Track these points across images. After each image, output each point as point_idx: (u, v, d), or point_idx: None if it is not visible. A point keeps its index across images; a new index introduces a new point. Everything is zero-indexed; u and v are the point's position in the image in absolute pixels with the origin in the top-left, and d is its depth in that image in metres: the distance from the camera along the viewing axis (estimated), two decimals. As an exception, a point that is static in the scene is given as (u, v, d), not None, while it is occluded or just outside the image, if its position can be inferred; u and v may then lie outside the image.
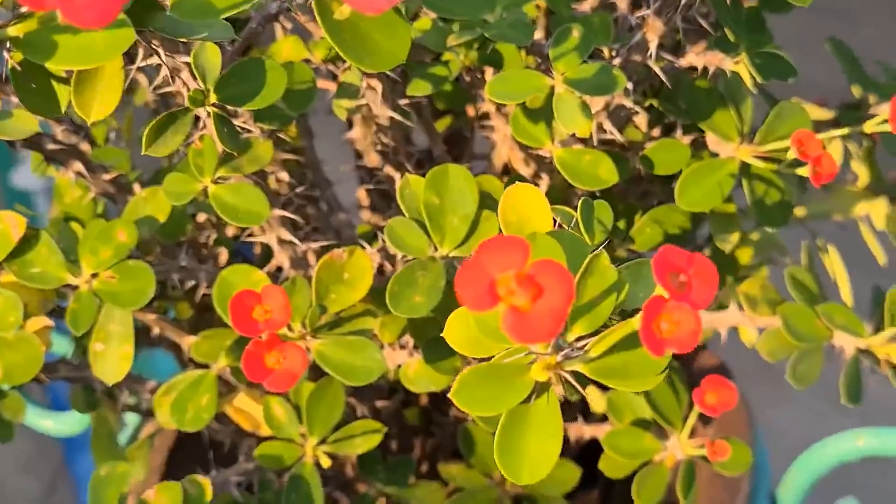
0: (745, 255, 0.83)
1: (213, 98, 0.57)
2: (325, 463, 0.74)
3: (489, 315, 0.46)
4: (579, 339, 0.46)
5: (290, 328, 0.69)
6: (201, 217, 0.83)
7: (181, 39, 0.53)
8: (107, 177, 0.75)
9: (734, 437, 0.80)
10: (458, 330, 0.49)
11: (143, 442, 0.93)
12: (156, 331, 0.79)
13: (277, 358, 0.62)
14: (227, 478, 0.76)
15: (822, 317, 0.76)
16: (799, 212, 0.91)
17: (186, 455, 0.96)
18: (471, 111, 0.87)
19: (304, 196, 0.84)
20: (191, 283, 0.80)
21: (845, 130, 0.68)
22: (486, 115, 0.78)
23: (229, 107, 0.60)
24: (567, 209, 0.58)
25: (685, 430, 0.78)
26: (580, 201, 0.57)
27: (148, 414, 0.94)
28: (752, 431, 0.95)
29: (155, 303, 0.89)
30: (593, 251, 0.46)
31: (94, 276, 0.69)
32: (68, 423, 1.10)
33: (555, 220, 0.56)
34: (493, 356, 0.47)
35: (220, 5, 0.46)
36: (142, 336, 0.86)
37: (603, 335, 0.44)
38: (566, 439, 0.87)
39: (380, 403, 0.86)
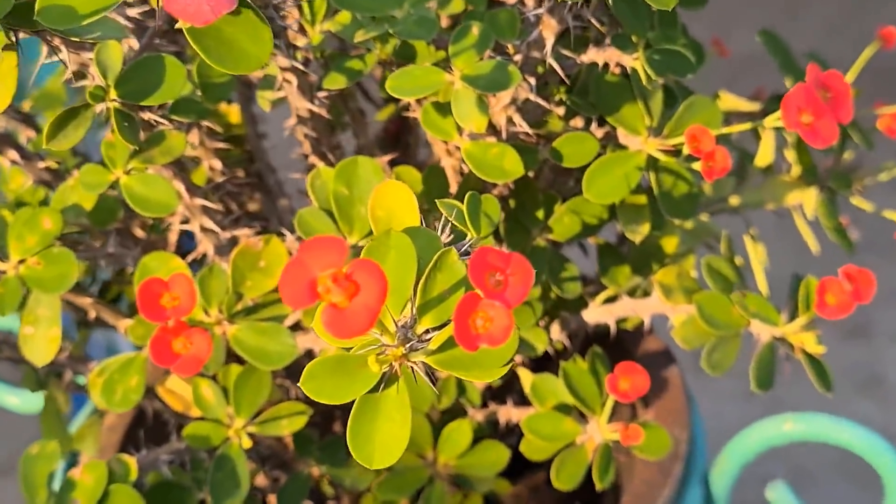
0: (670, 244, 0.85)
1: (113, 94, 0.59)
2: (246, 444, 0.76)
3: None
4: (428, 331, 0.48)
5: (207, 313, 0.72)
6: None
7: (74, 39, 0.55)
8: (41, 165, 0.78)
9: (654, 423, 0.82)
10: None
11: (92, 420, 0.96)
12: (92, 314, 0.81)
13: (184, 343, 0.65)
14: (158, 456, 0.78)
15: (736, 305, 0.77)
16: (734, 200, 0.93)
17: (147, 433, 0.98)
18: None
19: (242, 183, 0.86)
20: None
21: (746, 126, 0.70)
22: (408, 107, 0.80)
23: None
24: (455, 202, 0.59)
25: (604, 415, 0.80)
26: (467, 195, 0.59)
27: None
28: (690, 415, 0.97)
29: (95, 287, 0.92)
30: (446, 246, 0.48)
31: (22, 262, 0.72)
32: (34, 401, 1.13)
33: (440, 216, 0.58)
34: (352, 346, 0.49)
35: (83, 11, 0.48)
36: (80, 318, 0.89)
37: (443, 330, 0.46)
38: (495, 422, 0.89)
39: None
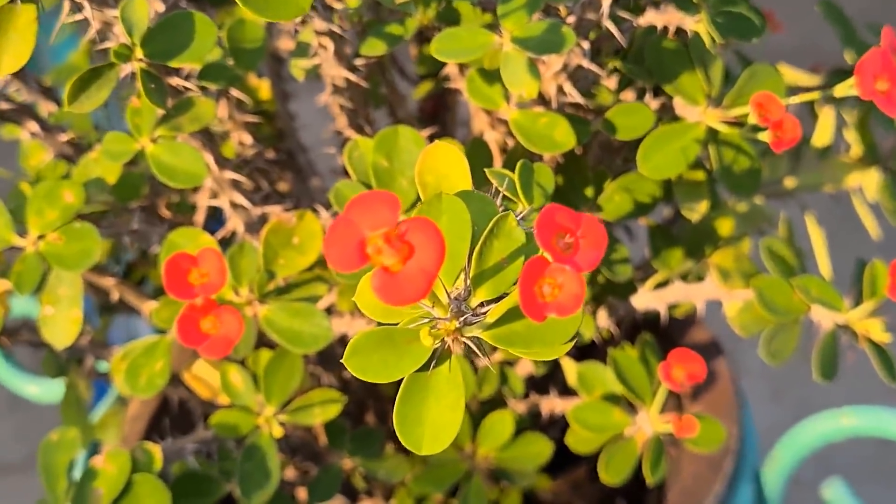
0: (724, 226, 0.80)
1: (139, 53, 0.55)
2: (277, 432, 0.72)
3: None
4: (483, 304, 0.43)
5: (236, 293, 0.67)
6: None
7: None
8: (63, 137, 0.74)
9: (708, 415, 0.77)
10: (368, 293, 0.46)
11: (115, 409, 0.92)
12: (115, 296, 0.77)
13: (213, 323, 0.61)
14: (184, 446, 0.74)
15: (798, 290, 0.73)
16: (789, 183, 0.88)
17: (172, 423, 0.95)
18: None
19: (272, 161, 0.82)
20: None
21: (815, 95, 0.65)
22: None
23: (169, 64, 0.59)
24: (506, 171, 0.55)
25: (655, 405, 0.75)
26: (519, 163, 0.55)
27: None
28: (740, 410, 0.92)
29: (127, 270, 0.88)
30: (503, 212, 0.44)
31: (41, 237, 0.68)
32: (54, 390, 1.09)
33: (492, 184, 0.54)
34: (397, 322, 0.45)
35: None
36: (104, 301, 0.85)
37: (503, 301, 0.41)
38: (537, 413, 0.85)
39: (347, 374, 0.84)
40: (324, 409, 0.74)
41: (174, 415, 0.95)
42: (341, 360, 0.42)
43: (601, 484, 1.02)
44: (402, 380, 0.45)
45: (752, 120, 0.62)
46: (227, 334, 0.61)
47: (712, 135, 0.67)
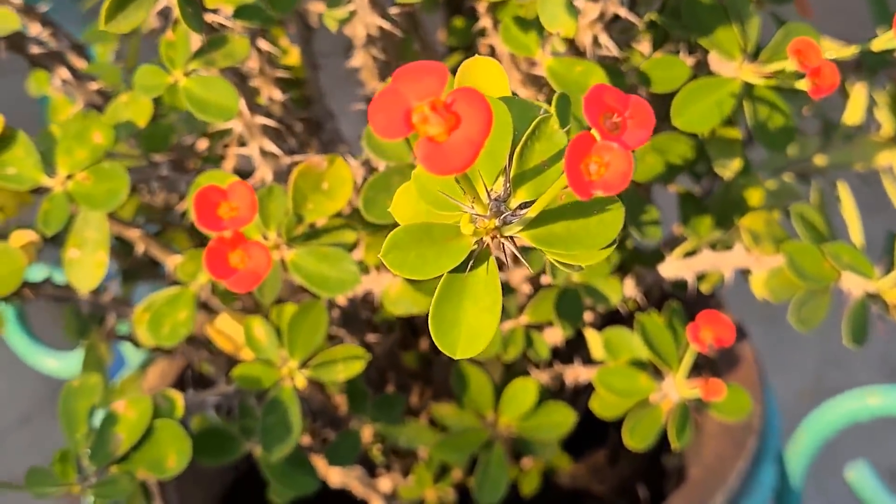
0: (754, 197, 0.79)
1: (176, -23, 0.55)
2: (301, 383, 0.71)
3: (430, 180, 0.44)
4: (522, 206, 0.43)
5: (264, 237, 0.67)
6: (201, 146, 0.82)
7: None
8: (94, 86, 0.73)
9: (734, 384, 0.76)
10: (403, 204, 0.46)
11: (135, 374, 0.92)
12: (140, 248, 0.77)
13: (241, 257, 0.60)
14: (205, 398, 0.74)
15: (829, 257, 0.72)
16: (819, 161, 0.87)
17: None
18: (482, 48, 0.84)
19: (302, 119, 0.82)
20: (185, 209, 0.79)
21: (853, 49, 0.64)
22: (483, 33, 0.75)
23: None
24: (542, 103, 0.55)
25: (682, 371, 0.74)
26: (556, 94, 0.54)
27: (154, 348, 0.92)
28: (763, 389, 0.91)
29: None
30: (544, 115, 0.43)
31: (70, 178, 0.67)
32: (73, 364, 1.09)
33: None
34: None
35: None
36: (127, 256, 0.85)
37: (546, 194, 0.41)
38: (562, 383, 0.84)
39: (371, 338, 0.83)
40: (347, 366, 0.73)
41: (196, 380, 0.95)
42: (378, 256, 0.41)
43: (620, 469, 1.01)
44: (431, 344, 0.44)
45: (791, 67, 0.61)
46: (255, 269, 0.60)
47: (748, 90, 0.67)
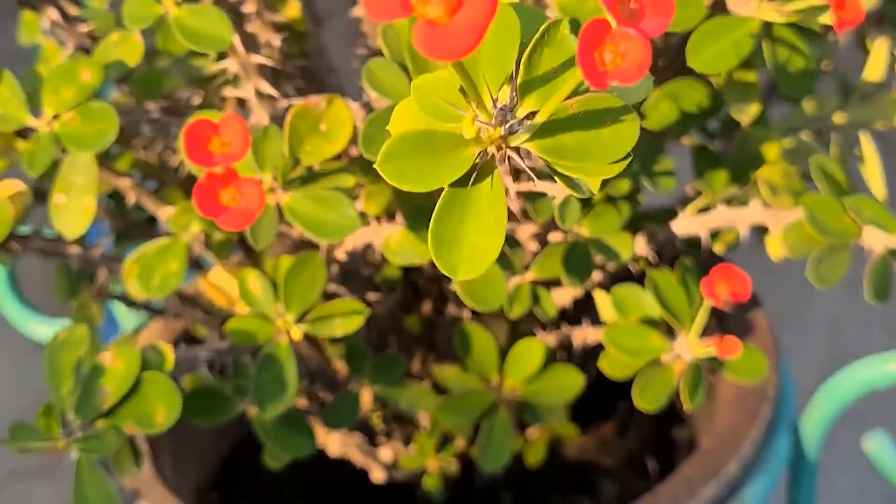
0: (771, 151, 0.76)
1: None
2: (297, 336, 0.68)
3: (432, 88, 0.41)
4: (530, 115, 0.40)
5: (260, 181, 0.64)
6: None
7: None
8: (84, 28, 0.70)
9: (748, 343, 0.73)
10: (403, 119, 0.43)
11: (127, 336, 0.89)
12: (131, 199, 0.74)
13: (233, 195, 0.57)
14: (197, 354, 0.71)
15: (850, 210, 0.69)
16: (838, 119, 0.84)
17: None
18: None
19: (302, 68, 0.79)
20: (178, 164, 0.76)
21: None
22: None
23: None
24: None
25: (695, 330, 0.71)
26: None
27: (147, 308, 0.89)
28: (778, 358, 0.88)
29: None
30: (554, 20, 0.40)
31: (56, 118, 0.64)
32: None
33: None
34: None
35: None
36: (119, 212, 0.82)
37: (555, 96, 0.38)
38: (570, 345, 0.81)
39: (372, 296, 0.80)
40: (345, 321, 0.70)
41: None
42: (374, 166, 0.38)
43: (629, 441, 0.98)
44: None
45: (813, 1, 0.58)
46: (247, 207, 0.57)
47: (766, 30, 0.63)
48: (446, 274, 0.40)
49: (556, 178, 0.42)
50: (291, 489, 0.99)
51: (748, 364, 0.72)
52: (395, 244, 0.67)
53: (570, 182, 0.42)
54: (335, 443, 0.91)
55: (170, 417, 0.64)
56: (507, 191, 0.63)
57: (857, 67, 0.84)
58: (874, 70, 0.82)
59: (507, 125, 0.39)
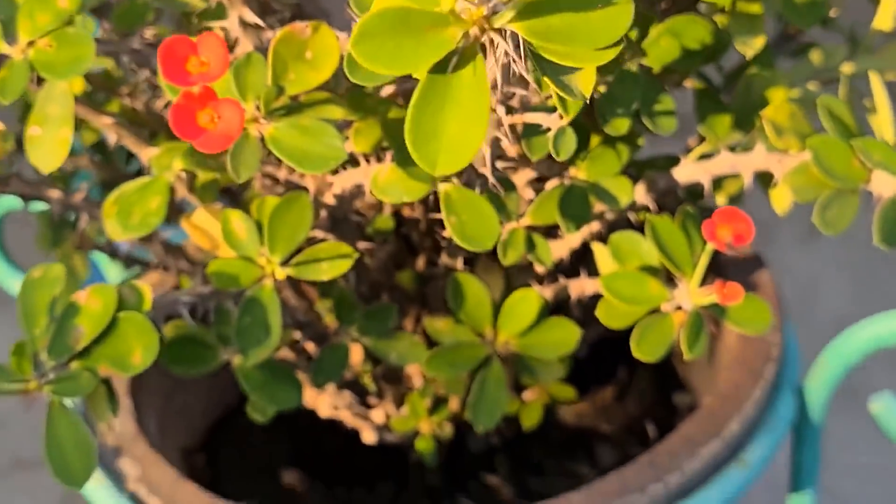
0: (778, 95, 0.73)
1: None
2: (280, 275, 0.65)
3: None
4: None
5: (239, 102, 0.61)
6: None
7: None
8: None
9: (753, 294, 0.70)
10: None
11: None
12: (113, 138, 0.71)
13: (211, 116, 0.55)
14: (178, 298, 0.68)
15: (858, 153, 0.66)
16: (847, 69, 0.81)
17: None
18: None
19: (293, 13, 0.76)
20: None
21: None
22: None
23: None
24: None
25: (696, 277, 0.68)
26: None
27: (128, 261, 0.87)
28: (783, 318, 0.85)
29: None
30: None
31: (31, 45, 0.62)
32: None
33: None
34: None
35: None
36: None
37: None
38: (566, 298, 0.78)
39: (362, 245, 0.77)
40: (332, 265, 0.68)
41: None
42: (349, 47, 0.35)
43: (629, 407, 0.96)
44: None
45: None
46: (226, 130, 0.55)
47: (773, -42, 0.61)
48: (424, 167, 0.37)
49: (546, 78, 0.39)
50: (282, 454, 0.97)
51: (751, 314, 0.69)
52: (384, 181, 0.64)
53: (560, 84, 0.39)
54: (325, 405, 0.89)
55: (146, 359, 0.62)
56: (499, 124, 0.60)
57: (865, 21, 0.82)
58: (884, 19, 0.80)
59: (491, 3, 0.36)
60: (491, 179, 0.65)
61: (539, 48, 0.37)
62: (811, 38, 0.84)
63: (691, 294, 0.68)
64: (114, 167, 0.86)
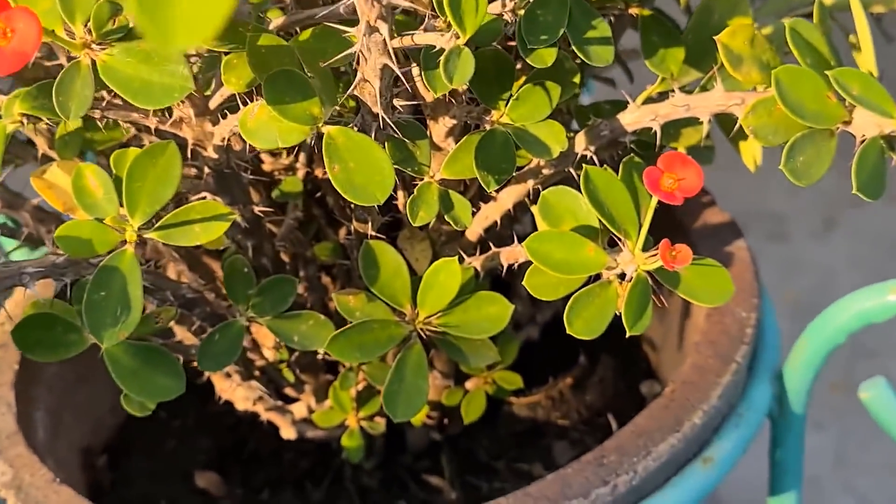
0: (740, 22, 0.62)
1: None
2: (132, 238, 0.54)
3: None
4: None
5: (70, 35, 0.50)
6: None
7: None
8: None
9: (711, 260, 0.59)
10: None
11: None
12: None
13: (3, 29, 0.44)
14: (22, 268, 0.57)
15: (834, 84, 0.54)
16: (828, 1, 0.70)
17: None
18: None
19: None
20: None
21: None
22: None
23: None
24: None
25: (640, 239, 0.57)
26: None
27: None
28: (760, 295, 0.74)
29: None
30: None
31: None
32: None
33: None
34: None
35: None
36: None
37: None
38: (497, 269, 0.66)
39: (258, 210, 0.66)
40: (206, 228, 0.57)
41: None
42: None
43: (589, 398, 0.84)
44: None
45: None
46: (20, 47, 0.44)
47: None
48: (155, 39, 0.26)
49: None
50: (201, 454, 0.86)
51: (708, 282, 0.58)
52: (254, 122, 0.53)
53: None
54: (240, 398, 0.78)
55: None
56: (384, 47, 0.49)
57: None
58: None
59: None
60: (387, 119, 0.54)
61: None
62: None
63: (636, 258, 0.57)
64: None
